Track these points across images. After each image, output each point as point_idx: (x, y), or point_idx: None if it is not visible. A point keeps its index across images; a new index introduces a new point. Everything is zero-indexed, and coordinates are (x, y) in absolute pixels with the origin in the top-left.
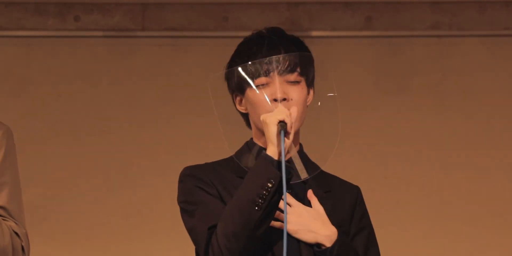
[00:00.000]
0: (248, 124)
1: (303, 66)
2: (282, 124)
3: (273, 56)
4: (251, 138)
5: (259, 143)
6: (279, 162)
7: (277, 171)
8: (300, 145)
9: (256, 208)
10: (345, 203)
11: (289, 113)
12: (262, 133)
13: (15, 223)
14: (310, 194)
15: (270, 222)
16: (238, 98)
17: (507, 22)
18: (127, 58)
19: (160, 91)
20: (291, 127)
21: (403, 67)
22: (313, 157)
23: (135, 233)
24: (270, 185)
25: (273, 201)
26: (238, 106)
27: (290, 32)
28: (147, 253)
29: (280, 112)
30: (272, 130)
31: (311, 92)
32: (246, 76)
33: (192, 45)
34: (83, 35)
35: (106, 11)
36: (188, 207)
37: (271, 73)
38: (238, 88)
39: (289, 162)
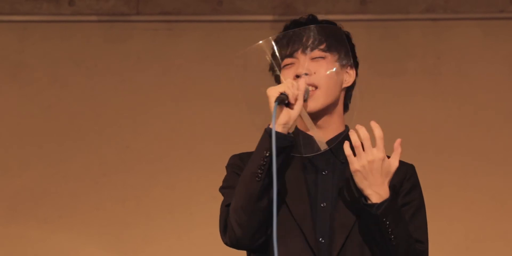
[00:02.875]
0: None
1: (329, 42)
2: (280, 96)
3: (289, 31)
4: (296, 126)
5: (298, 125)
6: (278, 133)
7: (270, 140)
8: (347, 127)
9: (257, 179)
10: (391, 181)
11: (294, 85)
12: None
13: None
14: (397, 144)
15: (274, 190)
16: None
17: (502, 5)
18: (122, 42)
19: (155, 75)
20: (295, 98)
21: (398, 50)
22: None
23: (130, 218)
24: (266, 154)
25: (270, 171)
26: None
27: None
28: (143, 237)
29: (283, 85)
30: (272, 102)
31: (351, 72)
32: (273, 61)
33: (187, 29)
34: (77, 20)
35: None
36: (223, 191)
37: (295, 53)
38: (275, 73)
39: (297, 133)
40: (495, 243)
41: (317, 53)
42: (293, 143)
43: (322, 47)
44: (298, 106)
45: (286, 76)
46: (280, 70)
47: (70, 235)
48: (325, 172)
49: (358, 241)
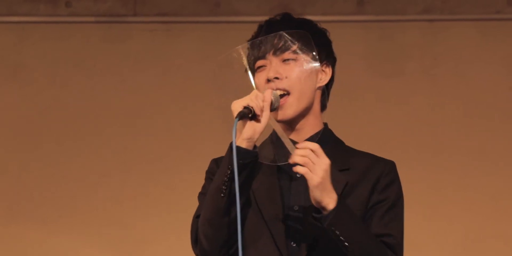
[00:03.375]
0: None
1: (300, 43)
2: (242, 111)
3: (260, 38)
4: None
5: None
6: (240, 148)
7: (232, 157)
8: (325, 124)
9: (222, 194)
10: (366, 179)
11: (259, 96)
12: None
13: None
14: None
15: (241, 207)
16: None
17: (498, 6)
18: (119, 43)
19: (152, 76)
20: (261, 110)
21: (396, 51)
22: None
23: (129, 218)
24: (228, 171)
25: (233, 187)
26: None
27: None
28: (142, 238)
29: (247, 97)
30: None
31: (327, 70)
32: (245, 62)
33: (184, 31)
34: (75, 21)
35: None
36: (199, 198)
37: (266, 55)
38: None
39: (266, 146)
40: (494, 243)
41: (287, 55)
42: (256, 158)
43: (293, 48)
44: (264, 119)
45: (259, 79)
46: (254, 74)
47: (69, 236)
48: (298, 175)
49: (325, 243)
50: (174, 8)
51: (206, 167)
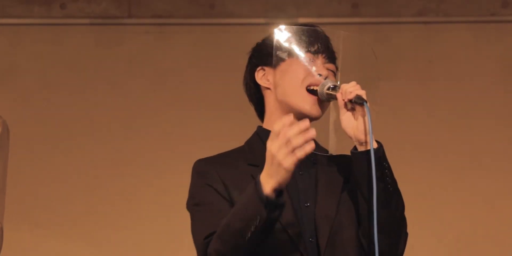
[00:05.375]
0: (261, 107)
1: (339, 62)
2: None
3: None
4: (259, 126)
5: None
6: (269, 199)
7: (263, 208)
8: None
9: (246, 238)
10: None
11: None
12: (282, 111)
13: None
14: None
15: (260, 244)
16: (261, 72)
17: (493, 8)
18: (114, 45)
19: (146, 78)
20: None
21: (390, 53)
22: None
23: (123, 221)
24: (256, 222)
25: (258, 235)
26: (261, 80)
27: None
28: (135, 241)
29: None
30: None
31: None
32: (297, 46)
33: (178, 32)
34: (69, 23)
35: None
36: (194, 209)
37: (319, 55)
38: (278, 57)
39: (259, 146)
40: (487, 246)
41: (332, 66)
42: (283, 208)
43: (336, 62)
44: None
45: (297, 67)
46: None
47: (62, 239)
48: (301, 173)
49: (341, 237)
50: (169, 10)
51: None
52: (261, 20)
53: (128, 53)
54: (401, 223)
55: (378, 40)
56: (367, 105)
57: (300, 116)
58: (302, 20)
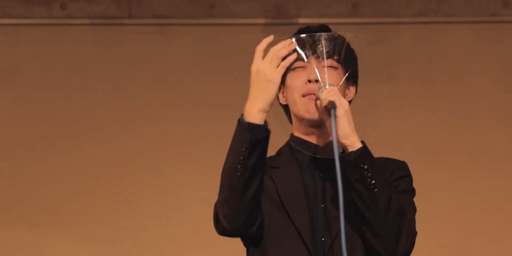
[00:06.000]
0: (290, 118)
1: (343, 54)
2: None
3: (308, 34)
4: (291, 133)
5: (300, 134)
6: (251, 124)
7: (246, 134)
8: None
9: (238, 173)
10: (385, 171)
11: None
12: (297, 121)
13: None
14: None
15: (257, 185)
16: (281, 90)
17: (493, 9)
18: (114, 46)
19: (147, 78)
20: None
21: (390, 54)
22: None
23: (122, 221)
24: (243, 149)
25: (249, 164)
26: (280, 98)
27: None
28: (135, 241)
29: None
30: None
31: (352, 89)
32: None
33: (179, 33)
34: (69, 23)
35: None
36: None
37: (309, 58)
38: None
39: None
40: (487, 246)
41: (330, 62)
42: (269, 133)
43: (336, 57)
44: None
45: (295, 78)
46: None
47: (62, 239)
48: (321, 175)
49: (352, 237)
50: (169, 10)
51: (200, 170)
52: (262, 20)
53: (128, 53)
54: (398, 222)
55: (378, 40)
56: (333, 112)
57: (308, 123)
58: (302, 20)
